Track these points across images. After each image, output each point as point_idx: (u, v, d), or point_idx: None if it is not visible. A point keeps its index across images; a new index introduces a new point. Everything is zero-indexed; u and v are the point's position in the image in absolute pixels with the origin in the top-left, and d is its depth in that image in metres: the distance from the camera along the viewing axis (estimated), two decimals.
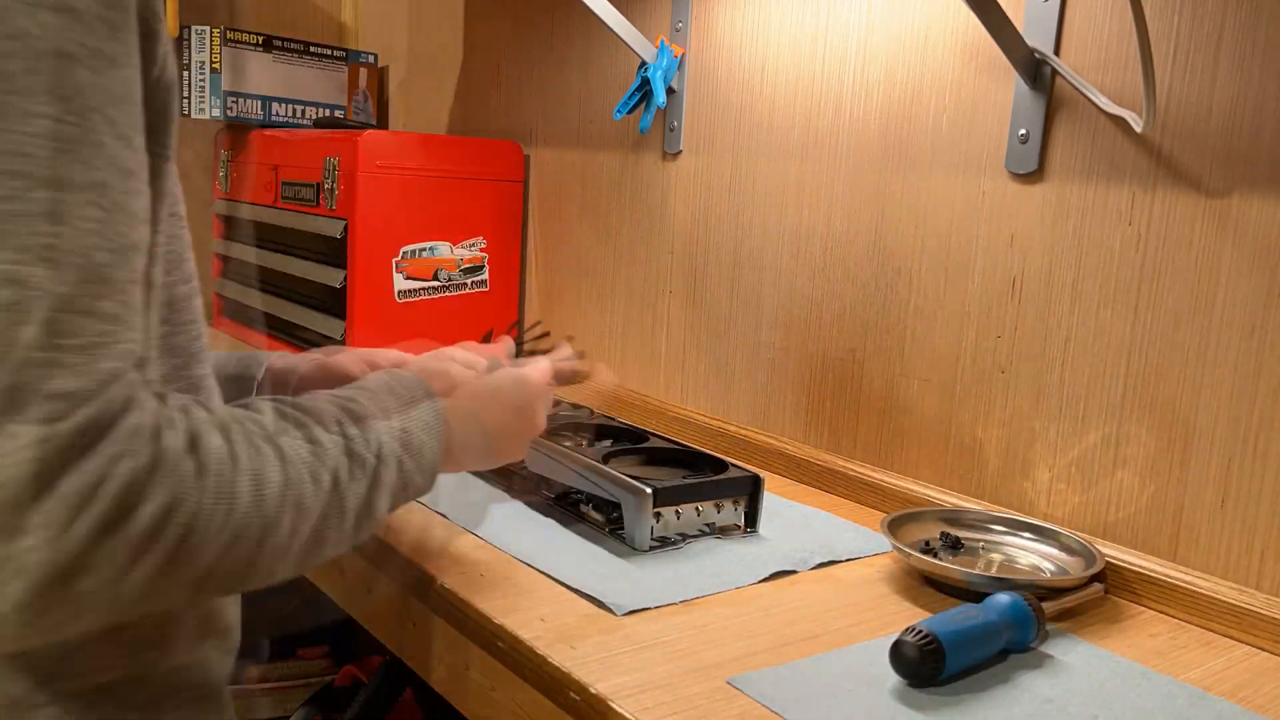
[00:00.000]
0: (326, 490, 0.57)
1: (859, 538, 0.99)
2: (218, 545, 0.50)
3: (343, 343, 1.44)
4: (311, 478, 0.56)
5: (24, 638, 0.49)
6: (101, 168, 0.47)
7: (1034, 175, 0.97)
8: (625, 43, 1.30)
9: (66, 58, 0.46)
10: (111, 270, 0.48)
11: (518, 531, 0.93)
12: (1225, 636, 0.83)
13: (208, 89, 1.62)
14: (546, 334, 1.09)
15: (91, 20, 0.47)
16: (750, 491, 0.97)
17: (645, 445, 1.05)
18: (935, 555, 0.91)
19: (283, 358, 0.89)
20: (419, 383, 0.70)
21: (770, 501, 1.03)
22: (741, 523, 0.97)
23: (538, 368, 0.86)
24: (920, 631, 0.70)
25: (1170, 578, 0.87)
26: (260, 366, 0.87)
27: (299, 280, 1.57)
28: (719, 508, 0.95)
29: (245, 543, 0.52)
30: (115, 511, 0.46)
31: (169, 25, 0.56)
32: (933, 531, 0.95)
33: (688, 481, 0.94)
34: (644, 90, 1.31)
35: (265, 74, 1.69)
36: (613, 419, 1.14)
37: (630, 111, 1.33)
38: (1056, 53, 0.94)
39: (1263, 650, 0.81)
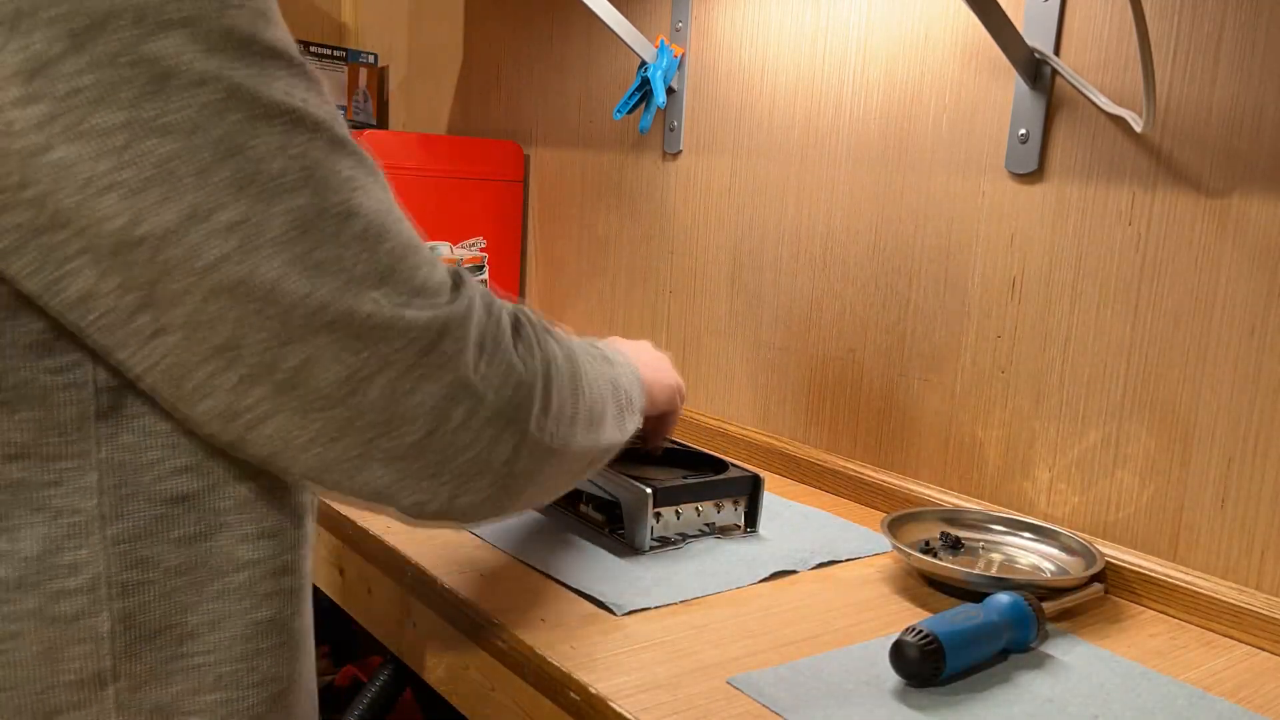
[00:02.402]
0: (610, 383, 0.69)
1: (859, 538, 0.99)
2: (587, 389, 0.63)
3: None
4: (606, 375, 0.69)
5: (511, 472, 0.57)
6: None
7: (1034, 175, 0.97)
8: (625, 43, 1.30)
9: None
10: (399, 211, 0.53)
11: (518, 531, 0.93)
12: (1225, 636, 0.83)
13: None
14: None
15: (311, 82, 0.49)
16: (750, 491, 0.97)
17: (645, 445, 1.05)
18: (935, 555, 0.91)
19: None
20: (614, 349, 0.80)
21: (770, 501, 1.03)
22: (741, 523, 0.97)
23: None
24: (920, 631, 0.70)
25: (1170, 578, 0.87)
26: None
27: None
28: (719, 508, 0.95)
29: (593, 395, 0.64)
30: (533, 347, 0.57)
31: None
32: (933, 531, 0.95)
33: (688, 481, 0.94)
34: (644, 90, 1.31)
35: None
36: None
37: (630, 111, 1.33)
38: (1056, 53, 0.94)
39: (1263, 650, 0.81)
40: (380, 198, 0.50)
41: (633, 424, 0.74)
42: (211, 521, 0.53)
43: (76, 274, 0.44)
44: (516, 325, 0.57)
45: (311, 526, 0.62)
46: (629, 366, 0.78)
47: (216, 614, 0.53)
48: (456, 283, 0.53)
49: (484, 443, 0.54)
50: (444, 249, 1.53)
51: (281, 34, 0.47)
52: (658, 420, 0.91)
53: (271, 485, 0.55)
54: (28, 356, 0.47)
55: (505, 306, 0.57)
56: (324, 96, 0.49)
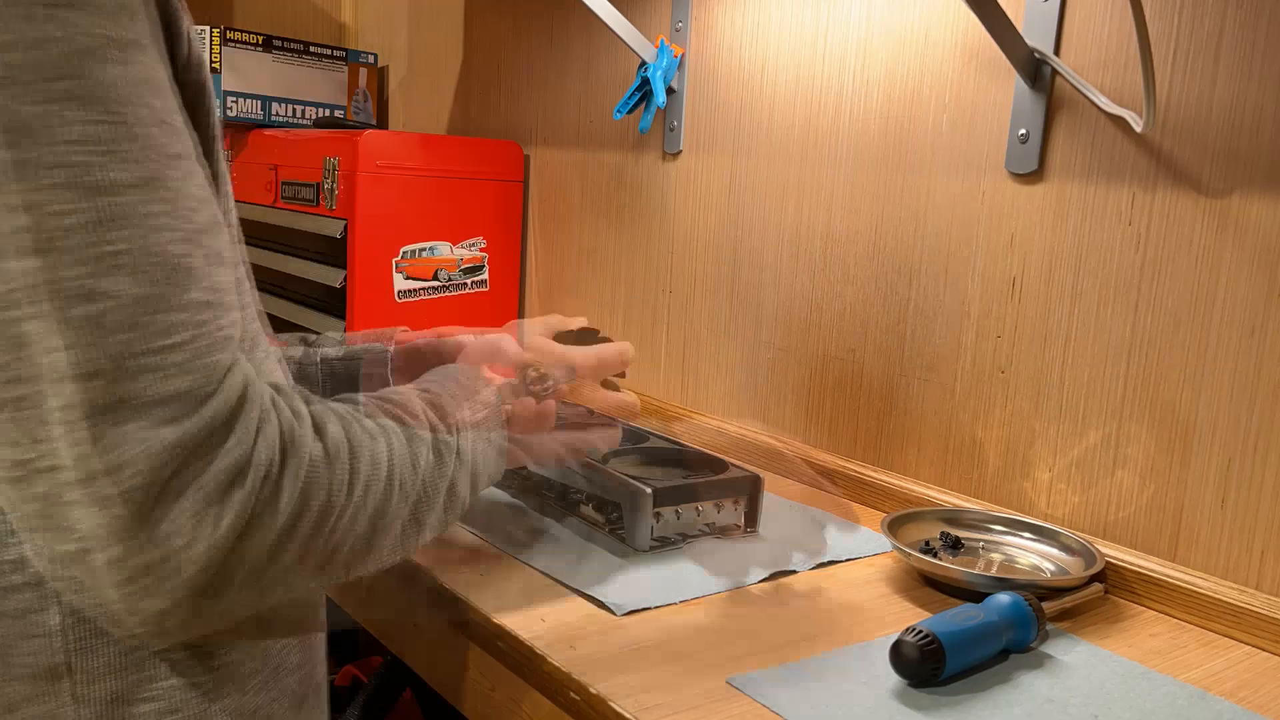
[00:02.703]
0: (422, 475, 0.61)
1: (859, 538, 0.99)
2: (345, 525, 0.53)
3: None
4: (411, 464, 0.60)
5: (188, 630, 0.50)
6: (150, 160, 0.46)
7: (1034, 175, 0.97)
8: (625, 43, 1.30)
9: (90, 54, 0.44)
10: (189, 259, 0.47)
11: (518, 531, 0.93)
12: (1225, 636, 0.83)
13: None
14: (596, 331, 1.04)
15: (110, 9, 0.45)
16: (750, 491, 0.97)
17: (645, 445, 1.05)
18: (935, 555, 0.91)
19: (406, 333, 0.92)
20: (487, 387, 0.72)
21: (770, 501, 1.03)
22: (741, 523, 0.97)
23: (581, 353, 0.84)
24: (920, 631, 0.70)
25: (1170, 578, 0.87)
26: (390, 339, 0.90)
27: (298, 280, 1.57)
28: (719, 508, 0.95)
29: (365, 522, 0.55)
30: (258, 500, 0.48)
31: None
32: (933, 531, 0.95)
33: (688, 481, 0.94)
34: (644, 90, 1.31)
35: (265, 74, 1.69)
36: (613, 419, 1.13)
37: (630, 111, 1.33)
38: (1056, 53, 0.94)
39: (1263, 650, 0.81)
40: (152, 274, 0.46)
41: (447, 518, 0.66)
42: None
43: None
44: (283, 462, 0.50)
45: None
46: (485, 436, 0.69)
47: None
48: (205, 393, 0.47)
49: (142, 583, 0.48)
50: (444, 249, 1.53)
51: (123, 73, 0.46)
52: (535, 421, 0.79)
53: None
54: None
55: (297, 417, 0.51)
56: (152, 141, 0.47)
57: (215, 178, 0.55)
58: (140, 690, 0.53)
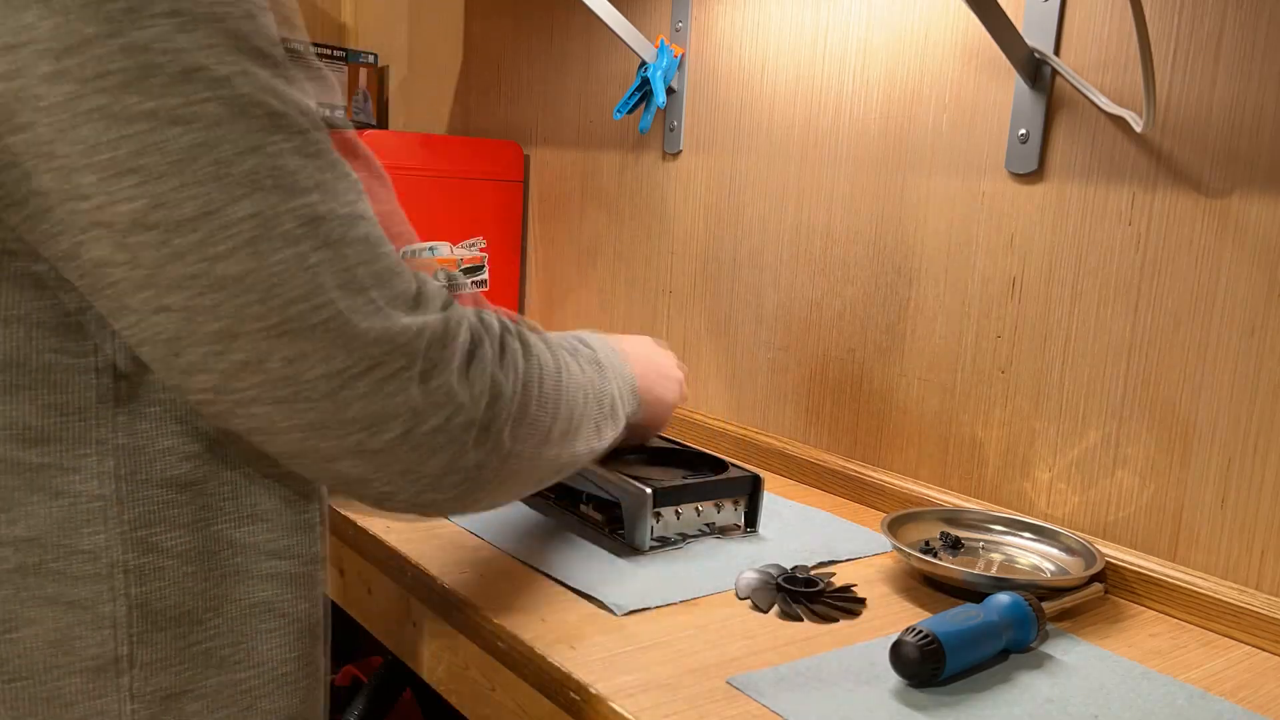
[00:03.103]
0: (589, 409, 0.69)
1: (859, 538, 0.99)
2: (544, 420, 0.62)
3: None
4: (585, 393, 0.68)
5: (461, 501, 0.59)
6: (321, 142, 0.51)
7: (1034, 175, 0.97)
8: (625, 43, 1.30)
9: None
10: (369, 212, 0.53)
11: (518, 531, 0.93)
12: (1225, 636, 0.83)
13: None
14: None
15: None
16: (750, 491, 0.97)
17: (645, 445, 1.05)
18: (935, 555, 0.91)
19: None
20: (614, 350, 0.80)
21: (770, 501, 1.03)
22: (741, 523, 0.97)
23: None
24: (920, 631, 0.70)
25: (1170, 578, 0.87)
26: None
27: None
28: (719, 508, 0.95)
29: (565, 409, 0.64)
30: (495, 371, 0.57)
31: None
32: (933, 531, 0.95)
33: (688, 481, 0.94)
34: (644, 90, 1.31)
35: None
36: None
37: (630, 111, 1.33)
38: (1056, 53, 0.94)
39: (1263, 650, 0.81)
40: (372, 218, 0.52)
41: (612, 432, 0.74)
42: (215, 507, 0.54)
43: (92, 244, 0.45)
44: (503, 341, 0.58)
45: (318, 516, 0.62)
46: (622, 372, 0.78)
47: (217, 598, 0.54)
48: (447, 299, 0.55)
49: (456, 448, 0.55)
50: (444, 249, 1.53)
51: (300, 41, 0.50)
52: (651, 418, 0.91)
53: (276, 474, 0.56)
54: (50, 340, 0.49)
55: (494, 321, 0.59)
56: (319, 119, 0.50)
57: None
58: (192, 686, 0.54)
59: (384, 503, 0.57)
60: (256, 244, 0.45)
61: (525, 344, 0.61)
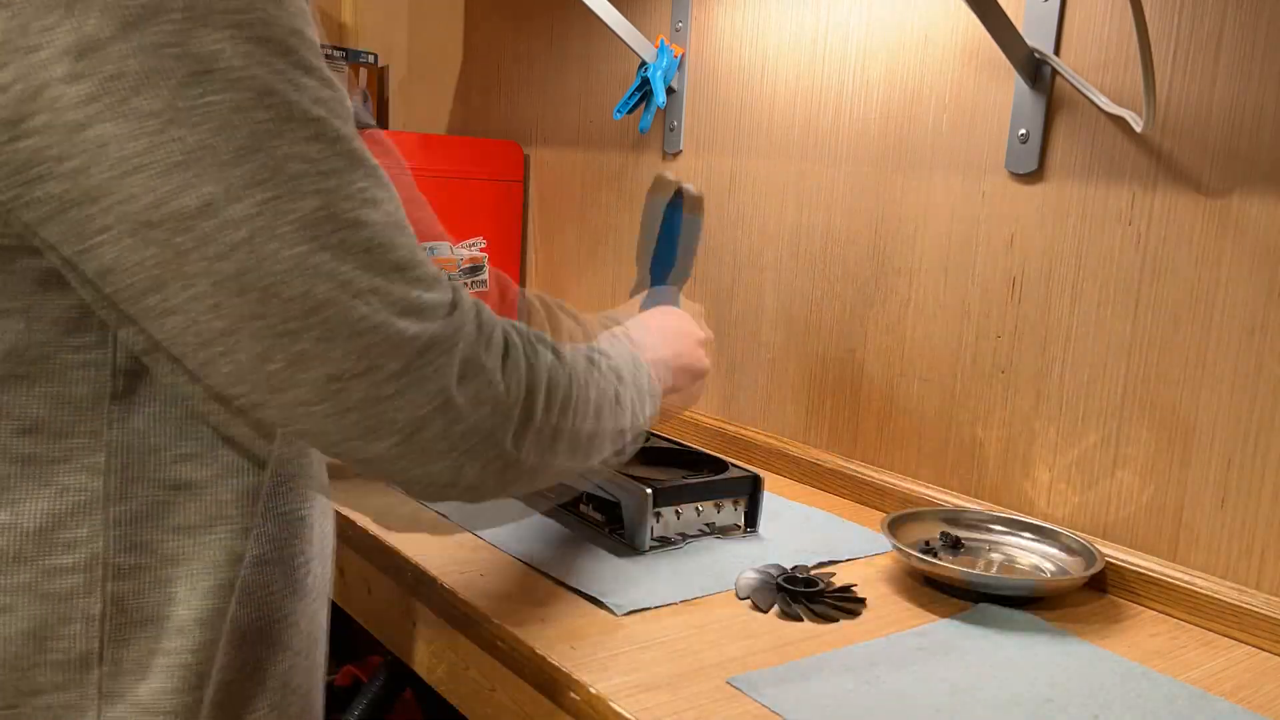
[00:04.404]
0: (612, 398, 0.69)
1: (859, 538, 0.99)
2: (551, 428, 0.60)
3: None
4: (599, 384, 0.67)
5: (503, 488, 0.60)
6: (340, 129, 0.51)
7: (1034, 175, 0.97)
8: (625, 43, 1.30)
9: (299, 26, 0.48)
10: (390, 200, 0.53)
11: (518, 531, 0.93)
12: (1225, 636, 0.83)
13: None
14: None
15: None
16: (750, 491, 0.97)
17: (645, 445, 1.05)
18: (935, 555, 0.91)
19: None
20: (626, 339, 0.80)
21: (770, 501, 1.03)
22: (741, 523, 0.97)
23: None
24: None
25: (1170, 578, 0.87)
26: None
27: None
28: (719, 508, 0.95)
29: (561, 439, 0.62)
30: (527, 371, 0.58)
31: None
32: (933, 531, 0.95)
33: (688, 481, 0.94)
34: (644, 90, 1.31)
35: None
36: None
37: (630, 111, 1.33)
38: (1056, 53, 0.94)
39: (1263, 650, 0.81)
40: (389, 211, 0.51)
41: (635, 434, 0.74)
42: (211, 512, 0.54)
43: (102, 246, 0.45)
44: (506, 346, 0.57)
45: (316, 528, 0.62)
46: (639, 372, 0.76)
47: (201, 608, 0.53)
48: (454, 301, 0.54)
49: (455, 456, 0.55)
50: (444, 249, 1.53)
51: (314, 45, 0.49)
52: (686, 398, 0.90)
53: (274, 481, 0.56)
54: (53, 332, 0.49)
55: (499, 326, 0.58)
56: (346, 109, 0.50)
57: None
58: (160, 701, 0.53)
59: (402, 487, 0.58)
60: (254, 244, 0.45)
61: (530, 349, 0.60)
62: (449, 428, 0.53)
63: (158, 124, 0.43)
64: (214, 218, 0.45)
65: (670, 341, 0.84)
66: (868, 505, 1.10)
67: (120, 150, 0.43)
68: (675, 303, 0.93)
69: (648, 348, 0.80)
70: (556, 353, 0.62)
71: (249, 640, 0.57)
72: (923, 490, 1.06)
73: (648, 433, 0.79)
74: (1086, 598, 0.88)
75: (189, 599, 0.53)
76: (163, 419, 0.52)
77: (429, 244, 1.49)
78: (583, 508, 0.96)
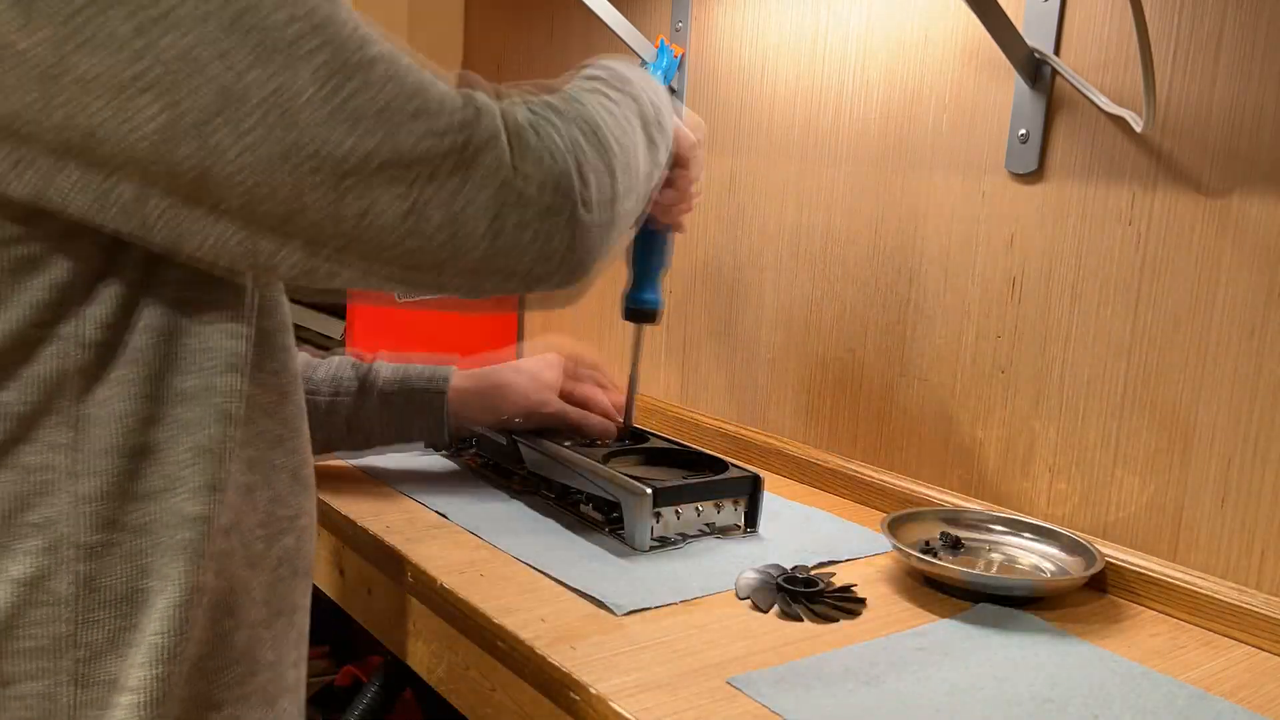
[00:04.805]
0: (637, 137, 0.68)
1: (859, 538, 0.99)
2: (606, 179, 0.61)
3: (342, 344, 1.44)
4: (627, 125, 0.67)
5: (595, 256, 0.62)
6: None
7: (1034, 175, 0.97)
8: (625, 43, 1.30)
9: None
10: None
11: (518, 531, 0.93)
12: (1225, 636, 0.83)
13: None
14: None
15: None
16: (750, 491, 0.97)
17: (645, 445, 1.05)
18: (935, 555, 0.91)
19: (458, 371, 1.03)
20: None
21: (770, 501, 1.03)
22: (741, 523, 0.97)
23: None
24: None
25: (1170, 578, 0.87)
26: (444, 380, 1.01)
27: None
28: (719, 508, 0.95)
29: (618, 183, 0.63)
30: (558, 136, 0.58)
31: None
32: (933, 531, 0.95)
33: (688, 481, 0.94)
34: None
35: None
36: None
37: None
38: (1056, 53, 0.94)
39: (1263, 650, 0.81)
40: (387, 44, 0.52)
41: (665, 144, 0.75)
42: (172, 474, 0.52)
43: (122, 181, 0.44)
44: (533, 121, 0.58)
45: (268, 498, 0.60)
46: (646, 84, 0.76)
47: (168, 576, 0.52)
48: (473, 101, 0.55)
49: (542, 239, 0.56)
50: None
51: None
52: (683, 167, 0.89)
53: (245, 436, 0.55)
54: (23, 317, 0.48)
55: (517, 106, 0.59)
56: None
57: None
58: (130, 676, 0.52)
59: (499, 293, 0.60)
60: (285, 119, 0.46)
61: (556, 115, 0.60)
62: (524, 217, 0.55)
63: (140, 42, 0.42)
64: (234, 109, 0.44)
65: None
66: (868, 505, 1.10)
67: (114, 78, 0.42)
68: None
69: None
70: (572, 105, 0.62)
71: (215, 611, 0.56)
72: (923, 490, 1.06)
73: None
74: (1086, 598, 0.88)
75: (156, 569, 0.52)
76: (125, 383, 0.51)
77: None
78: (583, 508, 0.96)
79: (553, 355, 1.06)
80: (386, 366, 1.00)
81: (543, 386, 1.03)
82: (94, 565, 0.51)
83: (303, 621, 0.67)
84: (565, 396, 1.04)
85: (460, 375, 1.01)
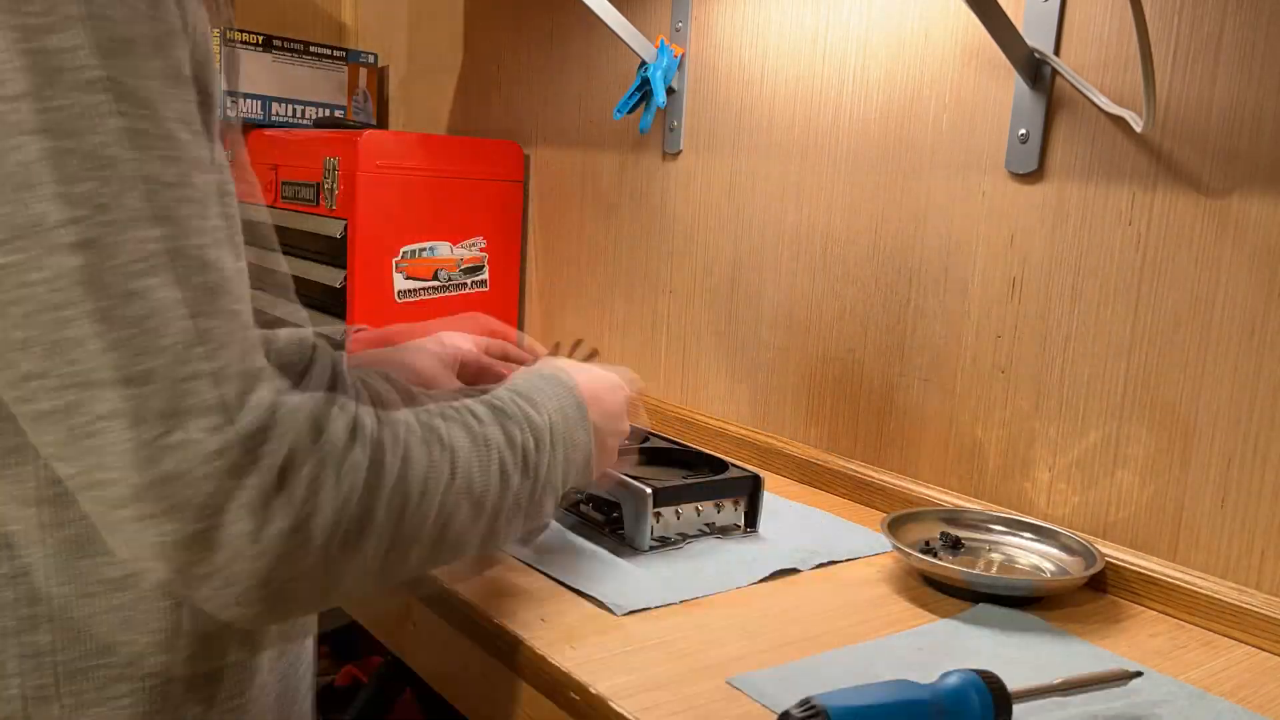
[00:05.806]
0: (496, 477, 0.58)
1: (859, 538, 0.99)
2: (392, 520, 0.50)
3: (342, 345, 1.44)
4: (480, 465, 0.56)
5: (273, 617, 0.49)
6: (181, 160, 0.45)
7: (1034, 175, 0.97)
8: (625, 43, 1.30)
9: (131, 46, 0.43)
10: (221, 263, 0.46)
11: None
12: (1225, 636, 0.83)
13: None
14: (595, 352, 1.06)
15: (136, 4, 0.44)
16: (750, 491, 0.97)
17: (645, 445, 1.05)
18: (935, 555, 0.91)
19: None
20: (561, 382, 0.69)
21: (770, 501, 1.03)
22: (741, 523, 0.97)
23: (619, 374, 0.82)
24: (810, 706, 0.57)
25: (1170, 578, 0.87)
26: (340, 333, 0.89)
27: (299, 280, 1.57)
28: (719, 508, 0.95)
29: (429, 526, 0.53)
30: (303, 504, 0.46)
31: None
32: (933, 531, 0.95)
33: (688, 481, 0.94)
34: (644, 90, 1.31)
35: (265, 74, 1.69)
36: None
37: (630, 111, 1.33)
38: (1056, 53, 0.94)
39: (1263, 650, 0.81)
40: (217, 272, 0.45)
41: (529, 478, 0.62)
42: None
43: None
44: (284, 472, 0.47)
45: None
46: (531, 417, 0.64)
47: (155, 626, 0.52)
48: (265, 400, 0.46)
49: (267, 560, 0.47)
50: (444, 249, 1.53)
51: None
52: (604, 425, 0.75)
53: None
54: None
55: (339, 429, 0.49)
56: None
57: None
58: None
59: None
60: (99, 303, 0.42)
61: (373, 448, 0.50)
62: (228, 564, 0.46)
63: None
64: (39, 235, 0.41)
65: (595, 383, 0.73)
66: (868, 505, 1.10)
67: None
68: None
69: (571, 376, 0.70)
70: (380, 447, 0.51)
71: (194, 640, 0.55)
72: (923, 490, 1.06)
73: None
74: (1086, 598, 0.88)
75: (143, 620, 0.51)
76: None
77: (429, 243, 1.50)
78: (583, 508, 0.96)
79: (461, 335, 0.92)
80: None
81: (442, 366, 0.88)
82: (72, 618, 0.50)
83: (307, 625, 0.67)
84: (478, 375, 0.92)
85: (361, 339, 0.92)
